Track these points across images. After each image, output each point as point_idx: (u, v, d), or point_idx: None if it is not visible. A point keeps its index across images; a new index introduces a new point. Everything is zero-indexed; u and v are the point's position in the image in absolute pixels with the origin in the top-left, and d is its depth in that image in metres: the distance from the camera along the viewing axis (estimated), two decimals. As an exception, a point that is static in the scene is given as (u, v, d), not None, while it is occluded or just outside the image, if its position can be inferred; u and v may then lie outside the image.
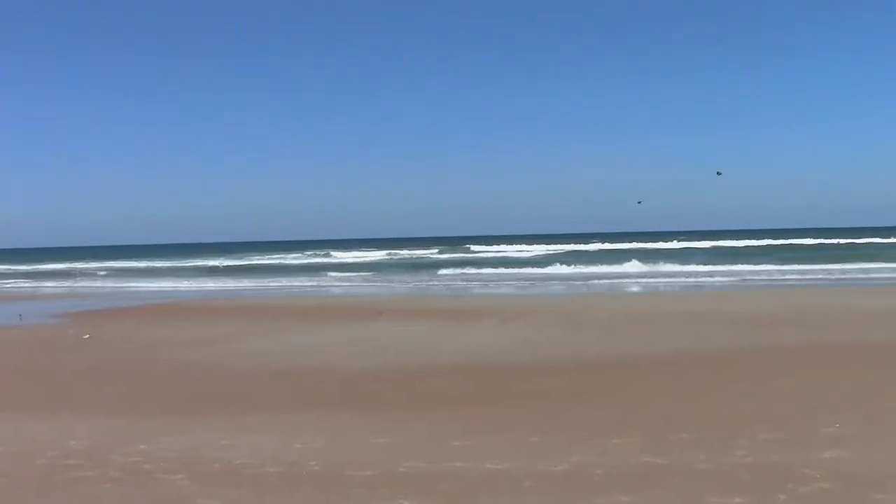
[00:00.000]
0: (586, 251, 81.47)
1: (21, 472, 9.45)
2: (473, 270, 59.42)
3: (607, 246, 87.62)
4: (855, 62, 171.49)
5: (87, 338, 22.27)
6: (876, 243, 76.55)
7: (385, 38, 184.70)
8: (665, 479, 8.51)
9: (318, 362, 17.42)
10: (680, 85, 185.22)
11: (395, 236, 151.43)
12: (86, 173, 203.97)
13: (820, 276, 45.39)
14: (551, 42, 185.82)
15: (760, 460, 9.05)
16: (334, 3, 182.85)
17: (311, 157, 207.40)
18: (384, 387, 14.42)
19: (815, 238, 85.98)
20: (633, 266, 56.92)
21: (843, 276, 45.11)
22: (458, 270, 60.25)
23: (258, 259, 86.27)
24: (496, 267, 60.99)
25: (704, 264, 58.12)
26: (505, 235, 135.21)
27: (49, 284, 56.54)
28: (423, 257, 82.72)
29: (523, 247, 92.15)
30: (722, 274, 49.66)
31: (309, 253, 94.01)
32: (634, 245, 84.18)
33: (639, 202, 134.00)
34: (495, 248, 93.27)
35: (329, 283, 51.49)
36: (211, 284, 52.04)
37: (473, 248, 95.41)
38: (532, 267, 60.99)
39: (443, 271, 59.99)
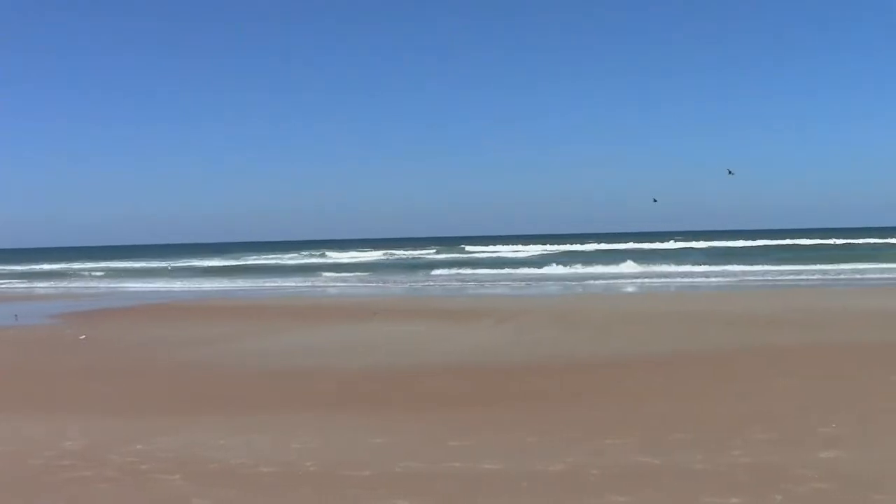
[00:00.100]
0: (582, 251, 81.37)
1: (16, 472, 9.42)
2: (469, 271, 59.46)
3: (603, 246, 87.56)
4: (855, 62, 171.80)
5: (83, 338, 22.23)
6: (873, 243, 76.66)
7: (385, 38, 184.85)
8: (661, 479, 8.51)
9: (315, 362, 17.40)
10: (680, 85, 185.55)
11: (394, 236, 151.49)
12: (86, 173, 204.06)
13: (816, 277, 45.46)
14: (551, 42, 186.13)
15: (756, 460, 9.06)
16: (334, 3, 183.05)
17: (311, 157, 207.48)
18: (380, 387, 14.41)
19: (812, 238, 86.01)
20: (630, 266, 56.97)
21: (839, 277, 45.16)
22: (454, 271, 60.27)
23: (254, 259, 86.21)
24: (492, 267, 61.01)
25: (701, 264, 58.19)
26: (501, 236, 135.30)
27: (43, 285, 56.48)
28: (419, 257, 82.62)
29: (519, 247, 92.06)
30: (718, 274, 49.70)
31: (305, 253, 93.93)
32: (631, 245, 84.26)
33: (654, 200, 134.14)
34: (491, 248, 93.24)
35: (324, 284, 51.47)
36: (206, 285, 51.99)
37: (470, 248, 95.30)
38: (528, 267, 61.02)
39: (439, 272, 59.97)
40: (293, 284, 50.45)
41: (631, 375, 14.84)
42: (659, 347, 18.09)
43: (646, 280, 46.39)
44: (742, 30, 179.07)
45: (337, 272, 62.40)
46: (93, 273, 69.98)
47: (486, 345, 19.53)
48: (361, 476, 8.89)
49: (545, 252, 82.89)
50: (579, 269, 58.00)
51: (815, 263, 55.46)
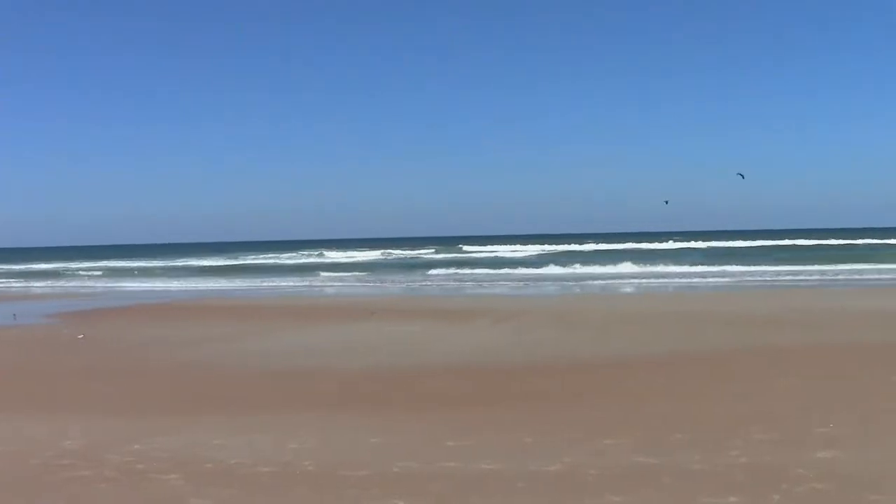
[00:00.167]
0: (581, 251, 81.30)
1: (15, 471, 9.42)
2: (468, 270, 59.42)
3: (602, 246, 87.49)
4: (855, 62, 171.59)
5: (82, 338, 22.22)
6: (872, 244, 76.69)
7: (385, 38, 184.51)
8: (659, 479, 8.51)
9: (316, 362, 17.40)
10: (680, 85, 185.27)
11: (394, 236, 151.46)
12: (86, 173, 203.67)
13: (815, 277, 45.46)
14: (551, 42, 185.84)
15: (755, 460, 9.06)
16: (334, 3, 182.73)
17: (311, 157, 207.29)
18: (378, 387, 14.41)
19: (811, 239, 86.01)
20: (628, 266, 56.93)
21: (838, 277, 45.18)
22: (453, 270, 60.23)
23: (252, 259, 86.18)
24: (490, 267, 60.92)
25: (700, 265, 58.17)
26: (500, 235, 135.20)
27: (40, 284, 56.44)
28: (416, 257, 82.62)
29: (517, 247, 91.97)
30: (717, 274, 49.66)
31: (303, 253, 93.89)
32: (629, 245, 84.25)
33: (666, 202, 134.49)
34: (490, 248, 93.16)
35: (322, 284, 51.44)
36: (204, 284, 51.95)
37: (468, 248, 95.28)
38: (526, 267, 60.95)
39: (437, 271, 59.94)
40: (291, 284, 50.41)
41: (631, 376, 14.84)
42: (658, 348, 18.09)
43: (645, 280, 46.37)
44: (742, 30, 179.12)
45: (335, 272, 62.38)
46: (91, 273, 69.92)
47: (486, 345, 19.53)
48: (358, 476, 8.89)
49: (543, 252, 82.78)
50: (578, 269, 57.97)
51: (814, 264, 55.45)
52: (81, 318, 28.90)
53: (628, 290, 40.21)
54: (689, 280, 45.86)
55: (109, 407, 13.12)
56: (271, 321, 25.98)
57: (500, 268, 60.18)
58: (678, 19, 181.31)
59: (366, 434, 10.75)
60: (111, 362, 18.01)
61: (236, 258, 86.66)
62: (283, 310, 30.49)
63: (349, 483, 8.67)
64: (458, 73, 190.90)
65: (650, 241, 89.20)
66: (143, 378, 15.92)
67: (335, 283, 51.32)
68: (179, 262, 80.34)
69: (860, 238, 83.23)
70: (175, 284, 52.50)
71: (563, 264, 61.36)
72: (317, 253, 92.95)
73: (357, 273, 61.19)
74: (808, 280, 43.40)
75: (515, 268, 60.41)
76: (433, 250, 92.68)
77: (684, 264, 58.55)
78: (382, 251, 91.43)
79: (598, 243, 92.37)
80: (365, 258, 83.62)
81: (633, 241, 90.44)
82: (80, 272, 70.51)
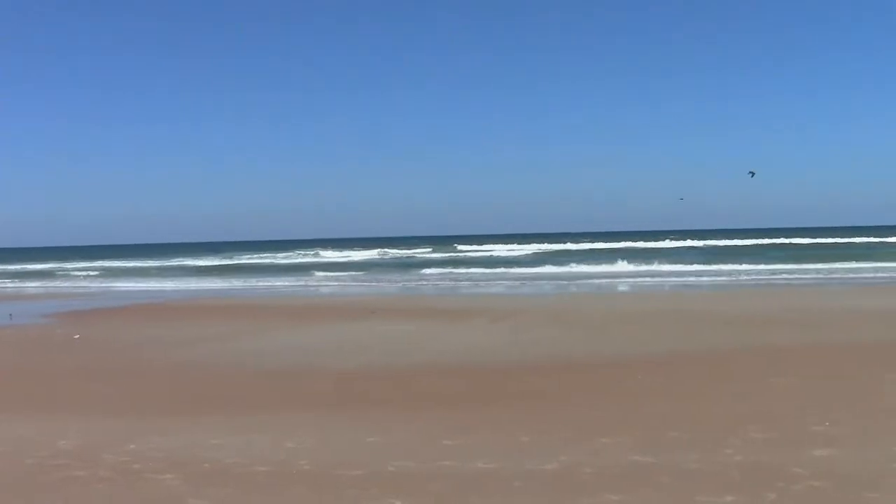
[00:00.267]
0: (577, 250, 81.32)
1: (10, 472, 9.38)
2: (464, 270, 59.37)
3: (599, 245, 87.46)
4: (855, 62, 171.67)
5: (77, 338, 22.17)
6: (870, 242, 76.75)
7: (385, 38, 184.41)
8: (656, 478, 8.49)
9: (312, 362, 17.37)
10: (680, 85, 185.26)
11: (390, 235, 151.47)
12: (86, 173, 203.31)
13: (813, 276, 45.46)
14: (551, 42, 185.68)
15: (752, 459, 9.04)
16: (334, 3, 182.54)
17: (311, 157, 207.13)
18: (375, 386, 14.38)
19: (810, 238, 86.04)
20: (625, 265, 56.94)
21: (836, 276, 45.17)
22: (449, 270, 60.21)
23: (247, 258, 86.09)
24: (486, 266, 60.90)
25: (697, 264, 58.17)
26: (497, 235, 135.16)
27: (35, 284, 56.34)
28: (412, 257, 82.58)
29: (513, 246, 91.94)
30: (714, 273, 49.70)
31: (299, 252, 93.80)
32: (626, 244, 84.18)
33: (681, 199, 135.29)
34: (487, 247, 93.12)
35: (318, 283, 51.37)
36: (199, 284, 51.88)
37: (464, 247, 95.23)
38: (522, 266, 60.94)
39: (434, 271, 59.92)
40: (287, 284, 50.32)
41: (627, 375, 14.81)
42: (656, 347, 18.07)
43: (642, 279, 46.35)
44: (742, 30, 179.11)
45: (330, 271, 62.31)
46: (88, 273, 69.78)
47: (482, 344, 19.51)
48: (355, 475, 8.86)
49: (539, 251, 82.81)
50: (573, 268, 57.95)
51: (813, 263, 55.40)
52: (77, 318, 28.84)
53: (625, 289, 40.20)
54: (686, 279, 45.84)
55: (105, 407, 13.08)
56: (266, 321, 25.94)
57: (496, 267, 60.17)
58: (678, 19, 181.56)
59: (363, 433, 10.72)
60: (106, 362, 17.97)
61: (231, 258, 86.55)
62: (279, 309, 30.44)
63: (346, 482, 8.64)
64: (458, 73, 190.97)
65: (647, 240, 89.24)
66: (138, 378, 15.88)
67: (331, 283, 51.25)
68: (174, 262, 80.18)
69: (858, 237, 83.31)
70: (170, 284, 52.39)
71: (559, 263, 61.35)
72: (312, 252, 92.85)
73: (353, 272, 61.14)
74: (805, 279, 43.42)
75: (511, 267, 60.39)
76: (429, 249, 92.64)
77: (682, 263, 58.53)
78: (378, 250, 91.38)
79: (593, 242, 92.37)
80: (361, 258, 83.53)
81: (629, 240, 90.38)
82: (75, 272, 70.38)
